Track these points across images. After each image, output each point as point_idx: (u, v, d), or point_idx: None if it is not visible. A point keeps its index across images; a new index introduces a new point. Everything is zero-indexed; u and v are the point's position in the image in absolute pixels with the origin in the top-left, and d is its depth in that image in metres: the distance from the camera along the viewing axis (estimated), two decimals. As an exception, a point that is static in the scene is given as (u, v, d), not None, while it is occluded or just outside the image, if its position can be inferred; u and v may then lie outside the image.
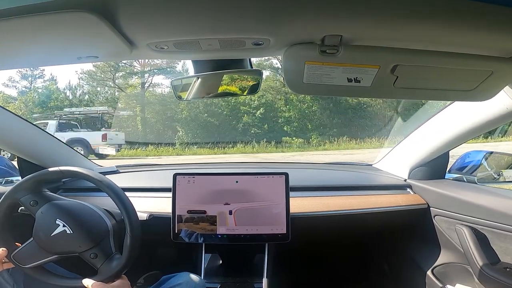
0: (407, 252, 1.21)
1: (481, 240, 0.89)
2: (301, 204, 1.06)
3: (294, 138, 11.76)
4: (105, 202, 0.80)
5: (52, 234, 0.69)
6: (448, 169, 1.16)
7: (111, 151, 8.48)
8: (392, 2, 0.41)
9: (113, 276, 0.69)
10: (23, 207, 0.73)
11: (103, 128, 9.81)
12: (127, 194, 0.75)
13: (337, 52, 0.51)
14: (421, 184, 1.13)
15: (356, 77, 0.56)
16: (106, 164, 1.39)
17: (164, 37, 0.50)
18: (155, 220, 0.97)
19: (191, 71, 0.83)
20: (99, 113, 10.39)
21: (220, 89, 0.85)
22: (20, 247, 0.71)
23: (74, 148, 1.36)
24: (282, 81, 11.79)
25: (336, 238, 1.31)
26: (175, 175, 1.01)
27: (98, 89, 14.79)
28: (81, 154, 1.39)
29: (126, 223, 0.71)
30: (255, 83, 0.86)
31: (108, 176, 0.77)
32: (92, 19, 0.41)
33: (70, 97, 14.73)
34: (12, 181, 1.12)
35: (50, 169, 0.74)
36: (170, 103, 12.95)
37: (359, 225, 1.14)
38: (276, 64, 13.24)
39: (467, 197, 0.96)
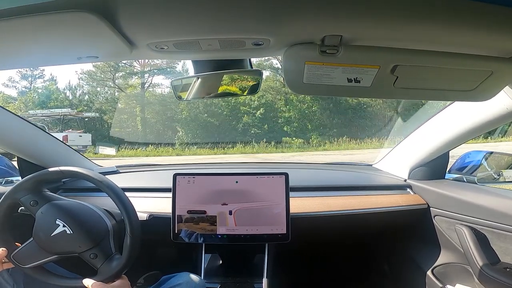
0: (407, 252, 1.21)
1: (481, 240, 0.89)
2: (301, 204, 1.06)
3: (294, 138, 11.77)
4: (105, 202, 0.80)
5: (52, 234, 0.69)
6: (448, 169, 1.16)
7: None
8: (392, 2, 0.41)
9: (113, 276, 0.69)
10: (23, 207, 0.72)
11: (70, 130, 9.86)
12: (127, 194, 0.75)
13: (337, 52, 0.51)
14: (421, 184, 1.13)
15: (356, 77, 0.56)
16: (106, 164, 1.39)
17: (164, 37, 0.50)
18: (155, 220, 0.97)
19: (191, 71, 0.83)
20: (61, 115, 10.47)
21: (220, 89, 0.86)
22: (20, 247, 0.71)
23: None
24: (282, 81, 11.79)
25: (336, 238, 1.31)
26: (175, 175, 1.01)
27: (98, 89, 14.83)
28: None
29: (126, 223, 0.71)
30: (255, 83, 0.86)
31: (108, 176, 0.77)
32: (92, 19, 0.41)
33: (70, 97, 14.76)
34: (12, 181, 1.12)
35: (50, 169, 0.74)
36: (170, 103, 12.97)
37: (359, 225, 1.14)
38: (276, 64, 13.26)
39: (467, 197, 0.96)
